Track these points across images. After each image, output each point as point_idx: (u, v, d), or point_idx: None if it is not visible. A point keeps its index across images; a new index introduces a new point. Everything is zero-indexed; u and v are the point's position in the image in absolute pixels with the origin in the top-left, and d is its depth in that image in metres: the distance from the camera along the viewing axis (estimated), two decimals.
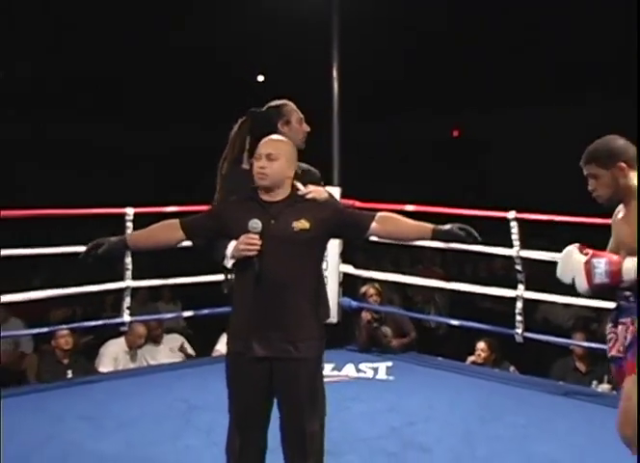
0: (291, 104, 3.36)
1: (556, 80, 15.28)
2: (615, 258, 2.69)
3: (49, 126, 17.40)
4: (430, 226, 2.84)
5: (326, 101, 5.44)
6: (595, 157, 2.78)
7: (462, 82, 15.80)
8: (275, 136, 3.05)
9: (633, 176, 2.77)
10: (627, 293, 2.76)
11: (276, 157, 2.90)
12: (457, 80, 15.84)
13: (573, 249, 2.77)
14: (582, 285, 2.72)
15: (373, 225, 2.90)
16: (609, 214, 3.74)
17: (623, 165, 2.75)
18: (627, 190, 2.76)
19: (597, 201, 2.82)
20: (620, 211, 2.83)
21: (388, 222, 2.91)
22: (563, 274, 2.77)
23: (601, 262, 2.68)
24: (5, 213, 5.26)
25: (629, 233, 2.73)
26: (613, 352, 2.78)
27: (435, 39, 15.58)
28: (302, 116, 3.33)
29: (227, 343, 3.03)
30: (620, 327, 2.77)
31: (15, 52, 16.72)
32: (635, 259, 2.66)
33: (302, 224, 2.87)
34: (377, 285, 6.01)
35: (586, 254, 2.73)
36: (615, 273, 2.66)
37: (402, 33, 15.44)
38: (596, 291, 2.75)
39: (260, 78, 19.23)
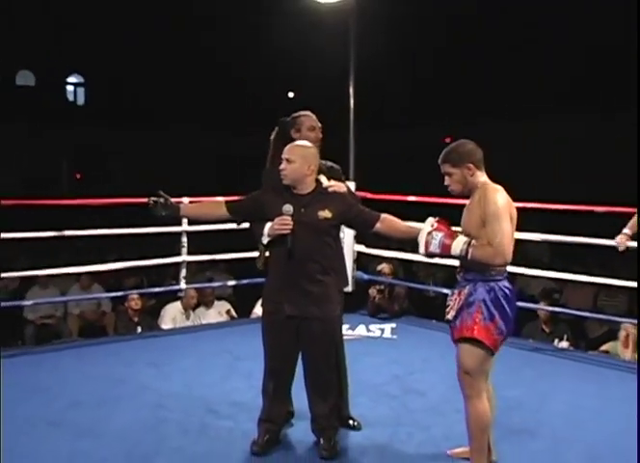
0: (306, 115, 3.30)
1: (544, 95, 14.72)
2: (453, 235, 2.69)
3: None
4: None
5: (344, 113, 5.41)
6: (448, 159, 2.77)
7: (454, 96, 15.55)
8: (298, 142, 3.06)
9: (480, 174, 2.76)
10: (459, 270, 2.79)
11: (292, 160, 2.93)
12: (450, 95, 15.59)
13: (429, 221, 2.76)
14: (421, 249, 2.74)
15: (377, 225, 2.97)
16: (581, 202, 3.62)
17: (471, 165, 2.74)
18: (474, 186, 2.75)
19: (451, 194, 2.81)
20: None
21: (389, 224, 2.98)
22: (418, 239, 2.76)
23: (439, 235, 2.69)
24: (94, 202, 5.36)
25: (466, 221, 2.75)
26: (448, 316, 2.79)
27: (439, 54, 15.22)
28: (314, 125, 3.27)
29: (262, 305, 3.07)
30: (454, 296, 2.78)
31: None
32: (466, 240, 2.66)
33: (325, 213, 2.92)
34: (390, 264, 6.03)
35: (432, 226, 2.73)
36: (446, 246, 2.68)
37: (406, 54, 15.18)
38: (430, 256, 2.78)
39: (290, 95, 19.19)
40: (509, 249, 2.64)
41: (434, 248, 2.70)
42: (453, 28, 14.44)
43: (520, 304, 5.51)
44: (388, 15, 11.81)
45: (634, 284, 4.66)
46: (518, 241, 4.93)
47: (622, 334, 5.36)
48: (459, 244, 2.66)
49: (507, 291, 2.71)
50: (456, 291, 2.78)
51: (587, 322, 6.44)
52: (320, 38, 9.34)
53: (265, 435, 3.05)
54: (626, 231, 4.38)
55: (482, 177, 2.76)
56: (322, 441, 3.03)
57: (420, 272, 8.15)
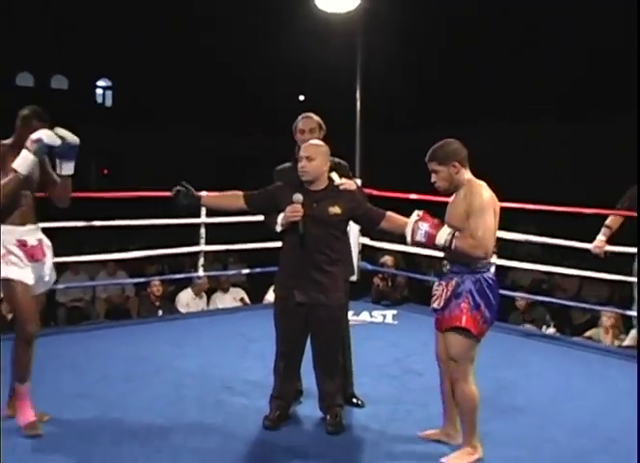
0: (303, 118, 3.24)
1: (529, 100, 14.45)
2: (438, 226, 2.62)
3: None
4: None
5: (351, 115, 5.37)
6: (435, 157, 2.69)
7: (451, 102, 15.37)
8: (313, 141, 3.03)
9: (465, 172, 2.69)
10: (446, 263, 2.72)
11: (313, 158, 2.90)
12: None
13: (417, 212, 2.71)
14: (407, 238, 2.68)
15: (382, 223, 2.93)
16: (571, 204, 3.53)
17: (456, 164, 2.66)
18: (459, 183, 2.68)
19: (438, 190, 2.74)
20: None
21: (393, 222, 2.93)
22: (406, 229, 2.70)
23: (424, 226, 2.62)
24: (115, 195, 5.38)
25: (451, 216, 2.68)
26: (434, 305, 2.74)
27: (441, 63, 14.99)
28: (304, 128, 3.20)
29: (274, 291, 3.05)
30: (441, 287, 2.72)
31: None
32: (450, 231, 2.59)
33: (335, 209, 2.89)
34: (392, 256, 6.00)
35: (418, 216, 2.66)
36: (431, 236, 2.61)
37: (408, 66, 15.01)
38: (416, 245, 2.72)
39: (301, 98, 19.12)
40: (490, 242, 2.60)
41: (419, 237, 2.64)
42: (456, 31, 14.17)
43: (511, 293, 5.56)
44: (395, 21, 11.63)
45: (616, 276, 4.67)
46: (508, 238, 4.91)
47: (603, 321, 5.35)
48: (443, 235, 2.61)
49: (491, 282, 2.68)
50: (443, 282, 2.73)
51: (572, 310, 6.42)
52: (330, 44, 9.24)
53: (276, 411, 3.04)
54: (601, 237, 4.30)
55: (467, 174, 2.70)
56: (328, 417, 3.03)
57: (422, 263, 8.12)
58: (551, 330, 5.55)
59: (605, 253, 4.33)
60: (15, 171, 2.79)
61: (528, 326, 5.49)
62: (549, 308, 6.04)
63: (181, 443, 2.88)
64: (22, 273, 2.88)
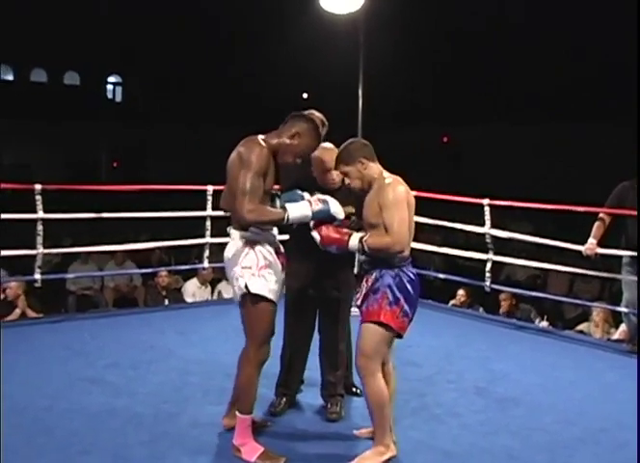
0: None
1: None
2: (345, 233, 2.53)
3: None
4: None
5: (365, 114, 5.30)
6: (341, 159, 2.59)
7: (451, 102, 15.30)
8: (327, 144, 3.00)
9: (373, 166, 2.57)
10: (365, 258, 2.62)
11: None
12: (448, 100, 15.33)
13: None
14: (318, 241, 2.56)
15: None
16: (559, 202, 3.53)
17: (363, 160, 2.55)
18: (371, 178, 2.56)
19: (354, 191, 2.62)
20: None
21: None
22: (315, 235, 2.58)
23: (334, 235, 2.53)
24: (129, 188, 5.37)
25: (367, 211, 2.56)
26: (358, 302, 2.65)
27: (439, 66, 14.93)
28: None
29: (287, 284, 2.94)
30: (363, 283, 2.63)
31: None
32: (359, 238, 2.50)
33: (349, 209, 2.76)
34: None
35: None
36: (341, 248, 2.53)
37: (409, 65, 14.96)
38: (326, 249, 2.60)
39: (305, 95, 19.08)
40: (405, 236, 2.48)
41: (332, 249, 2.57)
42: (460, 30, 14.02)
43: (507, 289, 5.57)
44: (399, 21, 11.54)
45: (605, 274, 4.68)
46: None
47: (594, 315, 5.35)
48: (354, 242, 2.51)
49: (412, 276, 2.55)
50: (365, 279, 2.61)
51: (564, 305, 6.42)
52: (334, 43, 9.18)
53: (282, 398, 3.04)
54: (592, 240, 4.30)
55: (376, 168, 2.57)
56: (330, 405, 3.03)
57: (420, 258, 8.08)
58: (544, 323, 5.54)
59: (596, 254, 4.33)
60: (285, 211, 2.46)
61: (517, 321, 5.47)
62: (542, 302, 6.03)
63: (187, 428, 2.88)
64: (275, 292, 2.54)
